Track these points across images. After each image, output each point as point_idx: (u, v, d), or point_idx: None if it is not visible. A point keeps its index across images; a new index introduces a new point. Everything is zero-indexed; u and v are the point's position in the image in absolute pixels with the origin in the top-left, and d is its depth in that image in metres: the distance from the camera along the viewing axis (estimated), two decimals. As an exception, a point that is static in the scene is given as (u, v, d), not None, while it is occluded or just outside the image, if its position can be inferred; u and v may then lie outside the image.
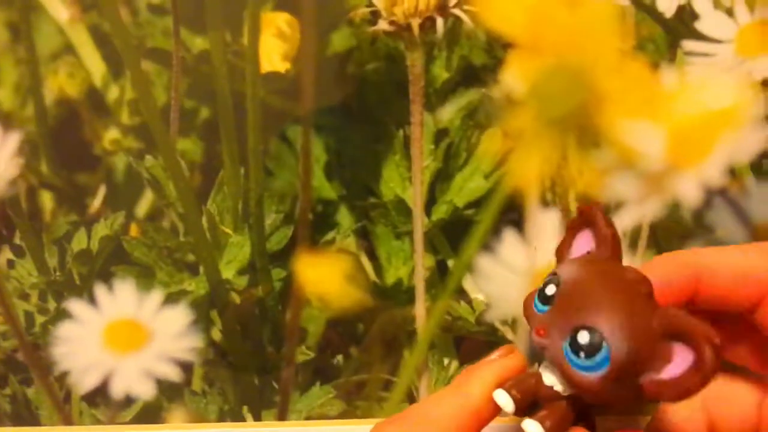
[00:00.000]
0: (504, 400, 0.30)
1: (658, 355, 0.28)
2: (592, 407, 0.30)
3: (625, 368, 0.28)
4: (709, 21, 0.35)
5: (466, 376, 0.30)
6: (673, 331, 0.28)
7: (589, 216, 0.30)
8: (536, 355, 0.30)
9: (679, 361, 0.28)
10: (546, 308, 0.29)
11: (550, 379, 0.30)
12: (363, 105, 0.49)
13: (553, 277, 0.29)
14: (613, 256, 0.30)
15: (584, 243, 0.30)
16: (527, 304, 0.30)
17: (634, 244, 0.38)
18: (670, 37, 0.38)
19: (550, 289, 0.29)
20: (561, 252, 0.31)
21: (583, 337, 0.28)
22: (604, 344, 0.28)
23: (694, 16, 0.36)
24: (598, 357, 0.28)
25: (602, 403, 0.29)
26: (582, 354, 0.28)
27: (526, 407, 0.30)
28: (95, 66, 0.52)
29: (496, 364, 0.30)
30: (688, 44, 0.34)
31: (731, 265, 0.29)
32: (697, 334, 0.28)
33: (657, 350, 0.28)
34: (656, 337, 0.28)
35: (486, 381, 0.30)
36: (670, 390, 0.28)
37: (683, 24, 0.36)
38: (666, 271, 0.30)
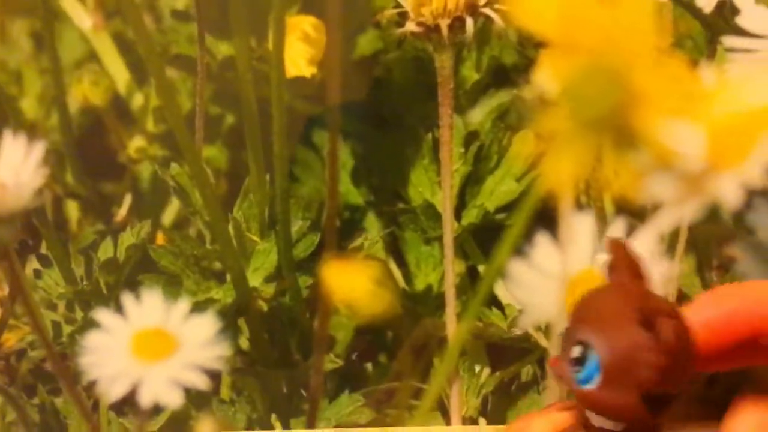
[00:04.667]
0: None
1: None
2: None
3: (616, 371, 0.29)
4: (750, 16, 0.34)
5: (523, 426, 0.31)
6: (643, 319, 0.29)
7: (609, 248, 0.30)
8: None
9: None
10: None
11: (596, 419, 0.30)
12: (390, 108, 0.49)
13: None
14: (631, 277, 0.30)
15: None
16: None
17: (672, 247, 0.38)
18: (709, 33, 0.37)
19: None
20: None
21: (575, 351, 0.29)
22: (592, 351, 0.29)
23: (735, 11, 0.35)
24: (590, 365, 0.29)
25: (643, 424, 0.29)
26: (578, 367, 0.29)
27: None
28: (119, 74, 0.51)
29: (552, 415, 0.31)
30: (729, 40, 0.34)
31: None
32: (657, 312, 0.28)
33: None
34: (640, 334, 0.29)
35: (542, 430, 0.31)
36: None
37: (723, 19, 0.36)
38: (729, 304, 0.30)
